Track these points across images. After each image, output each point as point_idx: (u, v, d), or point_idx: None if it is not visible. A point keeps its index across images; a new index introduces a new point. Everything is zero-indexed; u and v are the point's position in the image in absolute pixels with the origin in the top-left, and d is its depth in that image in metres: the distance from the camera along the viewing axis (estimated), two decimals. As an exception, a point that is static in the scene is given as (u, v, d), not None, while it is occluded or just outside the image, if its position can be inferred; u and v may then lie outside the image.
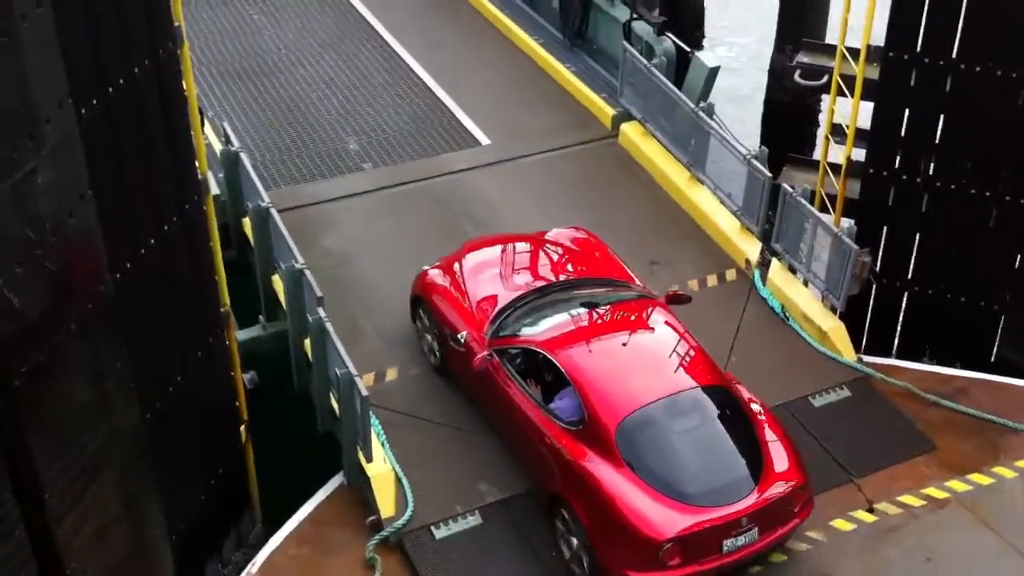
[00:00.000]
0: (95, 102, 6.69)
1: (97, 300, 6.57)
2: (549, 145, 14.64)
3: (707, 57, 14.07)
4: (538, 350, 9.58)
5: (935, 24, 11.40)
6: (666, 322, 9.90)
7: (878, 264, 12.36)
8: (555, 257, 11.33)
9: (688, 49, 14.30)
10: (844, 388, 11.09)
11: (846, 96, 12.24)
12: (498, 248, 11.34)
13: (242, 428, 10.07)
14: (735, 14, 25.00)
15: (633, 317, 9.96)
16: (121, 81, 6.97)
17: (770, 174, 12.19)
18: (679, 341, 9.63)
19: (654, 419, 8.92)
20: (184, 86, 8.03)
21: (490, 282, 10.68)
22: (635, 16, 14.96)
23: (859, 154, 12.53)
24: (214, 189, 10.25)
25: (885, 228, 12.52)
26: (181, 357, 8.70)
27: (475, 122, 15.08)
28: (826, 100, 13.12)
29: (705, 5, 21.88)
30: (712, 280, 12.48)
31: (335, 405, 10.08)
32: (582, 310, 9.98)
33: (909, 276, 12.58)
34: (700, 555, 8.63)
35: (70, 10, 6.25)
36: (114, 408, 6.92)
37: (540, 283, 10.66)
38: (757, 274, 12.25)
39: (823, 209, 12.76)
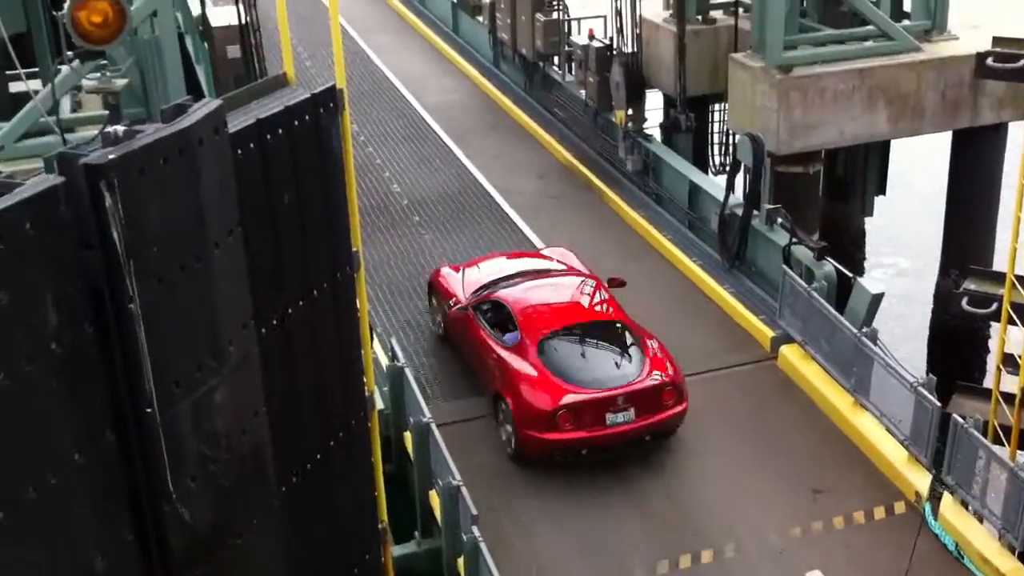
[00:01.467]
0: (275, 322, 6.99)
1: (264, 516, 6.69)
2: (707, 365, 14.56)
3: (869, 283, 13.94)
4: (497, 299, 13.78)
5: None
6: (594, 289, 14.08)
7: (1060, 501, 11.64)
8: (535, 261, 15.47)
9: (850, 274, 14.20)
10: (1027, 636, 10.33)
11: (1017, 325, 11.88)
12: (497, 257, 15.79)
13: (392, 647, 9.92)
14: (896, 237, 24.81)
15: (571, 287, 14.25)
16: (300, 303, 7.28)
17: (939, 403, 11.79)
18: (598, 299, 13.83)
19: (563, 337, 12.98)
20: (358, 306, 8.34)
21: (480, 272, 14.90)
22: (794, 240, 15.02)
23: (1034, 384, 12.04)
24: (379, 404, 10.48)
25: (1066, 463, 11.86)
26: (337, 573, 8.71)
27: (633, 340, 15.15)
28: (995, 327, 12.76)
29: (866, 228, 21.90)
30: (879, 513, 11.95)
31: (486, 627, 9.87)
32: (535, 282, 14.24)
33: (1095, 515, 11.79)
34: (587, 424, 12.32)
35: (258, 237, 6.62)
36: (271, 624, 6.92)
37: (514, 271, 14.79)
38: (928, 508, 11.69)
39: (996, 441, 12.22)
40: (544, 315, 13.27)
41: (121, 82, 6.93)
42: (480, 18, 27.47)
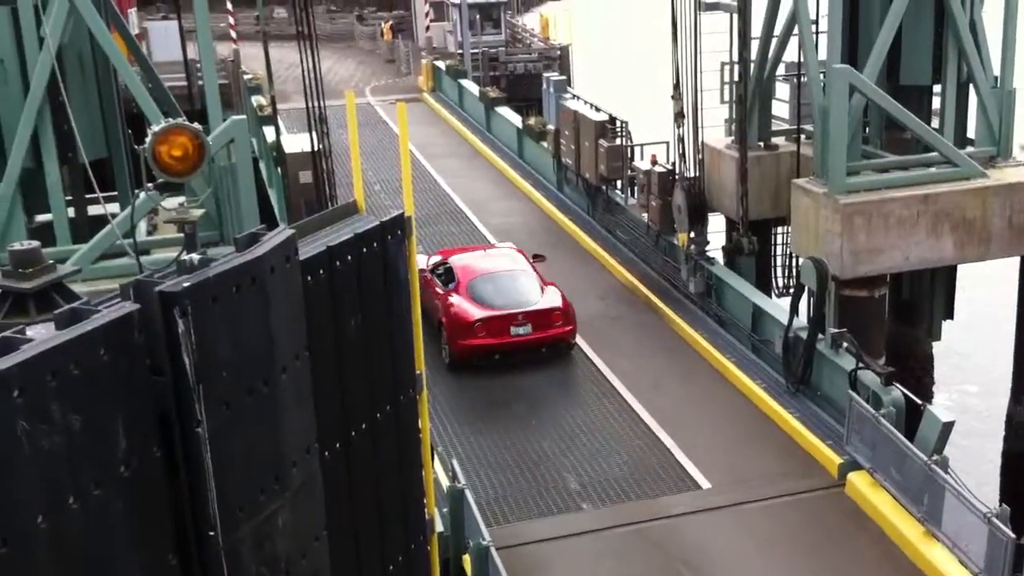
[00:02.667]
0: (338, 446, 7.05)
1: (322, 641, 6.64)
2: (772, 492, 14.30)
3: (940, 410, 13.69)
4: (446, 262, 18.95)
5: None
6: (519, 256, 19.43)
7: None
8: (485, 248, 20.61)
9: (918, 401, 13.98)
10: None
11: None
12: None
13: None
14: (965, 361, 24.41)
15: (499, 254, 19.62)
16: (363, 425, 7.34)
17: (1013, 535, 11.44)
18: (517, 260, 19.15)
19: (486, 279, 18.31)
20: (420, 427, 8.38)
21: (440, 256, 19.83)
22: (861, 365, 14.85)
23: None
24: (438, 527, 10.44)
25: None
26: None
27: (696, 464, 14.98)
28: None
29: (934, 352, 21.59)
30: (953, 649, 11.54)
31: None
32: (475, 252, 19.65)
33: None
34: (496, 333, 17.57)
35: (325, 361, 6.73)
36: None
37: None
38: (1004, 645, 11.26)
39: (1076, 576, 11.78)
40: (474, 268, 18.61)
41: (198, 212, 7.16)
42: (545, 143, 28.01)
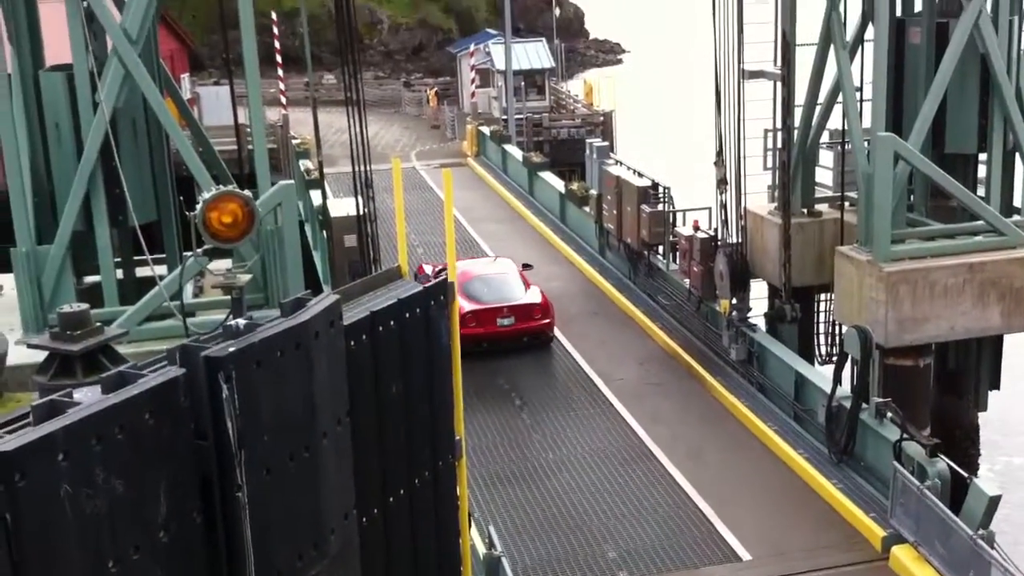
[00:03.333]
0: (375, 511, 7.05)
1: None
2: (813, 565, 14.05)
3: (985, 484, 13.45)
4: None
5: None
6: (510, 264, 22.58)
7: None
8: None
9: (964, 473, 13.75)
10: None
11: None
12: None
13: None
14: (1013, 433, 23.99)
15: (491, 262, 22.92)
16: (401, 491, 7.34)
17: (1064, 614, 11.18)
18: (509, 266, 22.39)
19: (478, 280, 21.41)
20: (458, 493, 8.36)
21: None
22: (905, 436, 14.65)
23: None
24: (475, 594, 10.33)
25: None
26: None
27: (736, 535, 14.77)
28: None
29: (980, 423, 21.27)
30: None
31: None
32: (473, 260, 23.05)
33: None
34: (485, 322, 20.70)
35: (365, 426, 6.76)
36: None
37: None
38: None
39: None
40: (469, 272, 21.57)
41: (245, 278, 7.25)
42: (587, 208, 28.13)
